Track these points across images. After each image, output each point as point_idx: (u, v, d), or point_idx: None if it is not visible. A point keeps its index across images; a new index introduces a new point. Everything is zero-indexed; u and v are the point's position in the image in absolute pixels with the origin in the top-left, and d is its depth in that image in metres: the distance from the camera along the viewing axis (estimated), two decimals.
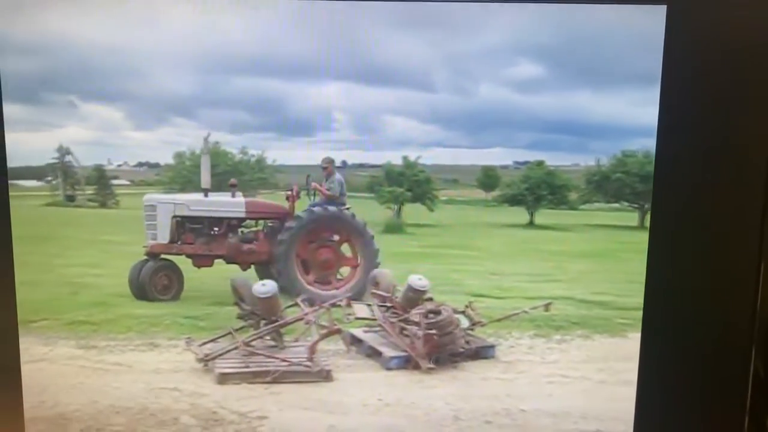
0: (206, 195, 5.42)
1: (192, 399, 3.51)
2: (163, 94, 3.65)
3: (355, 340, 4.33)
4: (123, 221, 5.33)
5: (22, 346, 4.00)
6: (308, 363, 3.89)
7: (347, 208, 5.33)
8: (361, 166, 4.74)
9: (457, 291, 4.73)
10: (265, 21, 3.09)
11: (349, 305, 4.54)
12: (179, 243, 5.42)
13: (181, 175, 5.09)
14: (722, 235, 2.37)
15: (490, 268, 4.93)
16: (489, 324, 4.43)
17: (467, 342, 4.24)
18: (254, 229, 5.63)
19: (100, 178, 5.05)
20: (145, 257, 5.20)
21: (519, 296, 4.57)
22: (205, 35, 3.15)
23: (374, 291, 4.66)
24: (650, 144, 2.52)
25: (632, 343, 2.72)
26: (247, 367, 3.85)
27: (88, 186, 5.01)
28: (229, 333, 4.18)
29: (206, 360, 3.90)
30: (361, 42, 3.30)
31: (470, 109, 3.94)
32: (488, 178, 4.93)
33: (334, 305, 4.43)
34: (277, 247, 5.28)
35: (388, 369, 4.01)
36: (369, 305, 4.58)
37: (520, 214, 5.14)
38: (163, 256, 5.29)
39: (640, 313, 2.62)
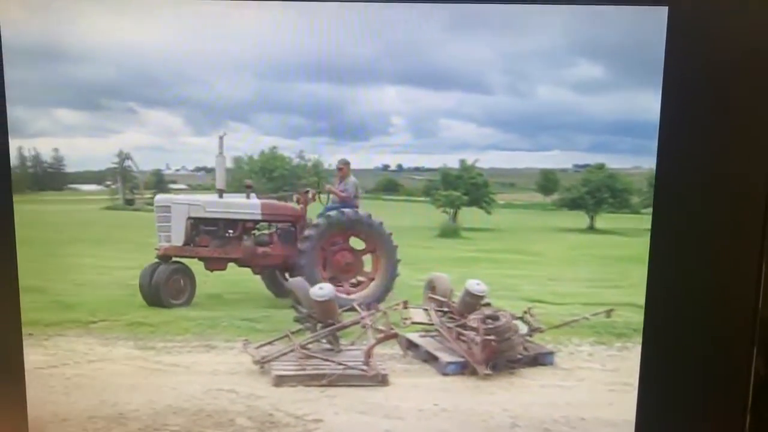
0: (221, 196, 5.39)
1: (248, 401, 3.53)
2: (221, 100, 3.70)
3: (412, 345, 4.30)
4: None
5: (83, 347, 4.13)
6: (364, 367, 3.87)
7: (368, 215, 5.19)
8: (417, 169, 4.73)
9: (515, 296, 4.67)
10: (322, 27, 3.10)
11: (405, 309, 4.51)
12: (193, 245, 5.35)
13: (238, 180, 5.15)
14: (723, 237, 2.36)
15: (549, 273, 4.85)
16: (548, 330, 4.36)
17: (525, 348, 4.18)
18: (265, 231, 5.53)
19: (159, 182, 5.16)
20: (156, 261, 5.14)
21: (578, 302, 4.48)
22: (263, 42, 3.18)
23: (431, 295, 4.62)
24: None
25: None
26: (303, 369, 3.85)
27: (147, 190, 5.10)
28: (286, 336, 4.19)
29: (263, 362, 3.92)
30: (418, 45, 3.28)
31: (528, 111, 3.88)
32: (547, 181, 4.86)
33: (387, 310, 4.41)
34: (301, 249, 5.19)
35: (445, 374, 3.97)
36: (426, 310, 4.54)
37: (580, 219, 5.05)
38: (175, 258, 5.23)
39: None
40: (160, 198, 5.24)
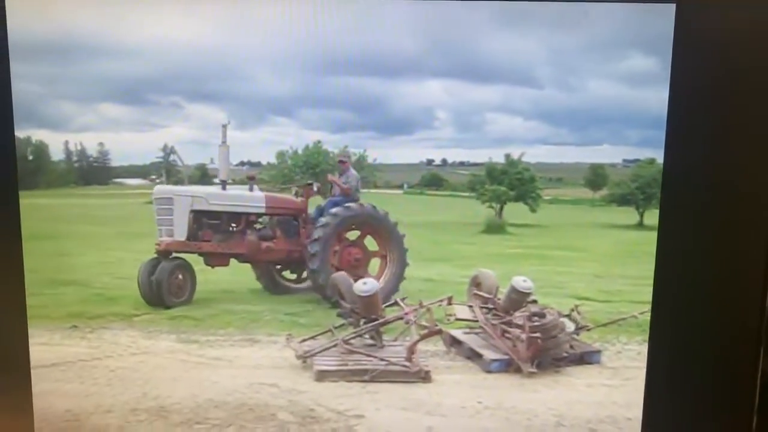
0: (224, 188, 5.27)
1: (290, 395, 3.52)
2: (265, 94, 3.70)
3: (455, 342, 4.24)
4: None
5: (126, 339, 4.19)
6: (407, 363, 3.83)
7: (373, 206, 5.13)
8: (462, 164, 4.68)
9: (562, 293, 4.59)
10: (367, 20, 3.07)
11: (450, 305, 4.45)
12: (196, 240, 5.19)
13: (282, 174, 5.14)
14: (731, 237, 2.33)
15: (597, 270, 4.75)
16: (595, 328, 4.26)
17: (572, 346, 4.09)
18: (267, 226, 5.41)
19: (203, 176, 5.17)
20: (155, 256, 5.01)
21: (626, 300, 4.38)
22: (307, 36, 3.16)
23: (476, 292, 4.55)
24: None
25: None
26: (346, 365, 3.83)
27: (192, 184, 5.07)
28: (329, 331, 4.18)
29: (305, 357, 3.91)
30: (464, 39, 3.23)
31: (577, 104, 3.80)
32: (596, 176, 4.76)
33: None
34: (312, 244, 5.05)
35: (489, 372, 3.90)
36: (470, 306, 4.48)
37: (630, 215, 4.93)
38: (175, 254, 5.08)
39: None
40: (161, 189, 5.10)
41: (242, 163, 4.90)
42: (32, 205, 4.57)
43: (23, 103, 3.51)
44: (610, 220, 5.01)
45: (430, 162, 4.63)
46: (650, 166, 4.55)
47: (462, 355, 4.15)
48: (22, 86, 3.44)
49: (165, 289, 4.85)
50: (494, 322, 4.28)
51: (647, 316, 3.98)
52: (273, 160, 5.01)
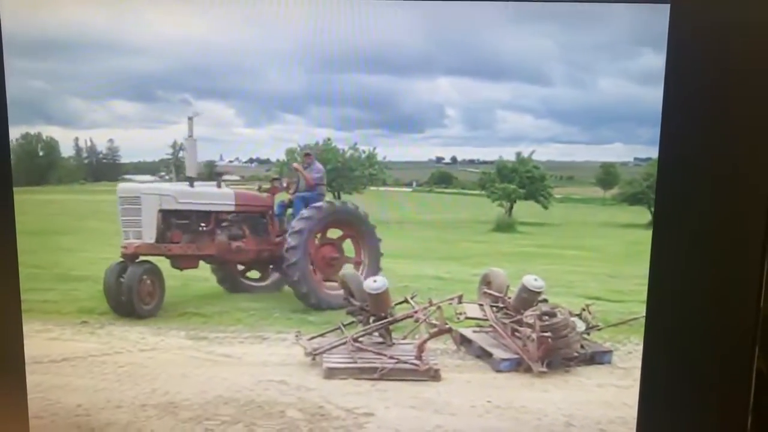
0: (192, 185, 4.99)
1: (299, 393, 3.52)
2: (275, 92, 3.69)
3: (465, 340, 4.23)
4: None
5: (135, 336, 4.20)
6: (416, 361, 3.82)
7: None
8: (472, 162, 4.67)
9: (573, 293, 4.56)
10: (377, 18, 3.06)
11: (460, 303, 4.43)
12: (165, 242, 4.89)
13: (292, 171, 5.10)
14: (726, 236, 2.33)
15: (608, 269, 4.72)
16: (606, 328, 4.24)
17: (582, 346, 4.07)
18: (228, 223, 5.14)
19: (212, 173, 5.09)
20: (121, 260, 4.66)
21: (638, 300, 4.31)
22: (316, 33, 3.16)
23: (486, 291, 4.54)
24: None
25: None
26: (355, 362, 3.82)
27: (201, 181, 4.99)
28: (338, 328, 4.17)
29: (314, 354, 3.91)
30: (474, 36, 3.22)
31: (588, 102, 3.77)
32: (607, 175, 4.72)
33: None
34: (290, 243, 4.87)
35: (498, 371, 3.89)
36: (481, 305, 4.47)
37: (641, 214, 4.88)
38: (142, 258, 4.75)
39: None
40: (126, 188, 4.77)
41: (251, 161, 4.87)
42: (43, 201, 4.62)
43: (34, 99, 3.53)
44: (621, 219, 4.98)
45: (439, 160, 4.61)
46: None
47: (472, 354, 4.14)
48: (32, 83, 3.46)
49: (135, 296, 4.54)
50: (504, 320, 4.27)
51: None
52: (283, 157, 4.99)
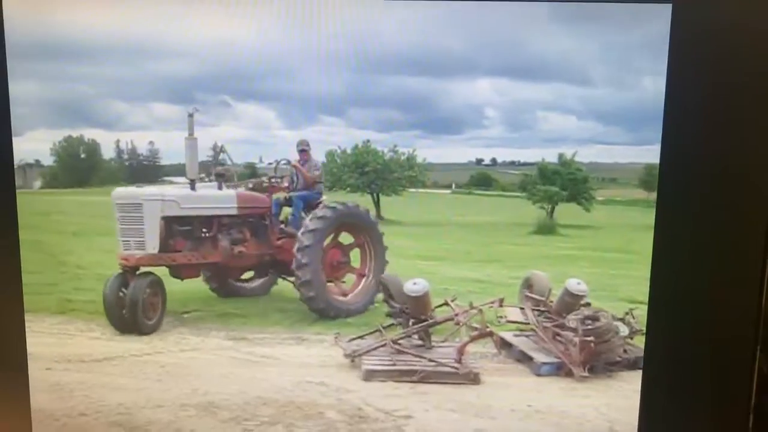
0: (193, 188, 4.66)
1: (338, 394, 3.51)
2: (314, 93, 3.70)
3: (505, 344, 4.18)
4: None
5: (175, 336, 4.22)
6: (456, 364, 3.79)
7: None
8: (513, 163, 4.60)
9: (616, 297, 4.47)
10: (417, 19, 3.04)
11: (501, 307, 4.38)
12: (168, 251, 4.55)
13: (332, 173, 5.07)
14: (727, 236, 2.33)
15: None
16: None
17: (625, 351, 3.99)
18: (228, 227, 4.84)
19: (252, 175, 5.07)
20: (119, 272, 4.35)
21: None
22: (356, 35, 3.15)
23: (528, 294, 4.48)
24: None
25: None
26: (394, 365, 3.80)
27: (240, 182, 4.95)
28: (378, 330, 4.16)
29: (353, 356, 3.90)
30: (515, 36, 3.19)
31: (632, 103, 3.70)
32: (651, 176, 4.60)
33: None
34: (304, 242, 4.60)
35: (539, 375, 3.84)
36: (522, 308, 4.42)
37: None
38: (143, 269, 4.45)
39: None
40: (125, 194, 4.45)
41: (289, 162, 4.88)
42: (85, 202, 4.69)
43: (77, 103, 3.60)
44: None
45: (479, 161, 4.57)
46: None
47: (512, 358, 4.09)
48: (76, 87, 3.52)
49: (140, 311, 4.23)
50: (546, 324, 4.21)
51: None
52: (322, 159, 4.99)
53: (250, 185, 5.02)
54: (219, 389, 3.48)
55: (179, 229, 4.62)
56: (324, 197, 5.10)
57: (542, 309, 4.35)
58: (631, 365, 3.93)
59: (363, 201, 5.15)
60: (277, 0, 2.97)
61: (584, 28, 3.14)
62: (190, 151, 4.39)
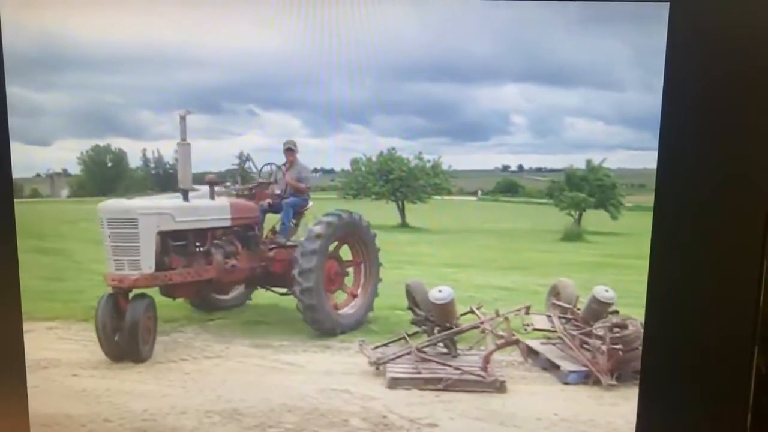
0: (186, 198, 4.28)
1: (362, 402, 3.49)
2: (340, 101, 3.70)
3: (532, 352, 4.13)
4: None
5: (201, 343, 4.24)
6: (482, 372, 3.76)
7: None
8: (539, 170, 4.57)
9: (643, 304, 4.40)
10: (441, 25, 3.03)
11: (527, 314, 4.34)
12: (164, 269, 4.14)
13: (357, 181, 5.03)
14: (725, 236, 2.32)
15: None
16: None
17: None
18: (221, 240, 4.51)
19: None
20: (110, 292, 3.95)
21: None
22: (381, 42, 3.15)
23: (555, 302, 4.44)
24: None
25: None
26: (419, 373, 3.78)
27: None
28: (403, 338, 4.13)
29: (378, 363, 3.89)
30: (542, 41, 3.16)
31: (660, 108, 3.66)
32: None
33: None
34: (308, 252, 4.34)
35: (566, 383, 3.79)
36: (549, 316, 4.37)
37: None
38: (136, 291, 4.03)
39: None
40: (116, 207, 4.02)
41: (315, 170, 4.87)
42: None
43: (105, 112, 3.64)
44: None
45: (505, 168, 4.54)
46: None
47: (538, 366, 4.04)
48: (104, 96, 3.56)
49: (140, 336, 3.87)
50: (573, 332, 4.16)
51: None
52: (347, 167, 4.98)
53: (235, 192, 4.75)
54: (243, 396, 3.49)
55: (174, 244, 4.27)
56: (311, 203, 4.92)
57: (569, 317, 4.31)
58: None
59: (388, 208, 5.14)
60: (302, 8, 2.98)
61: (610, 30, 3.10)
62: (182, 158, 4.10)
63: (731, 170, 2.31)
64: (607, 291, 4.12)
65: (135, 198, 4.16)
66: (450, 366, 3.84)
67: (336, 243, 4.70)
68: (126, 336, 3.89)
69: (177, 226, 4.21)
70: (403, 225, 5.16)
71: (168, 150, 4.23)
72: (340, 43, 3.19)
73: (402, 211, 5.24)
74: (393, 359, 3.91)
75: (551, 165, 4.50)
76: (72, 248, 3.77)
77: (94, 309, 3.99)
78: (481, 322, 4.07)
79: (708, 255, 2.38)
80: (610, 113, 3.85)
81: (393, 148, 4.81)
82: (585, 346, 4.01)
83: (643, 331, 3.90)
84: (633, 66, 3.45)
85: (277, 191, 4.77)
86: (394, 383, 3.71)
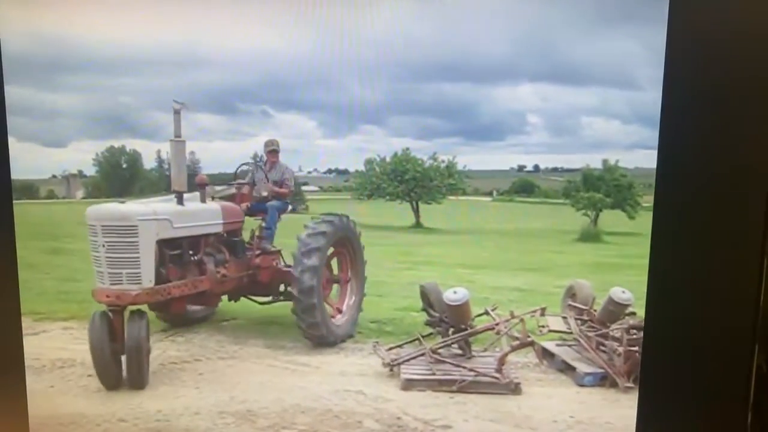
0: (181, 202, 3.90)
1: (376, 403, 3.48)
2: (355, 102, 3.70)
3: (547, 354, 4.10)
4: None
5: (215, 344, 4.24)
6: (497, 374, 3.73)
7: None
8: (555, 170, 4.54)
9: None
10: (457, 25, 3.02)
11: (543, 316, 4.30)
12: (162, 282, 3.71)
13: (371, 182, 5.01)
14: (725, 234, 2.21)
15: None
16: None
17: None
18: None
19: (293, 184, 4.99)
20: (103, 311, 3.51)
21: None
22: (395, 42, 3.14)
23: (571, 303, 4.40)
24: None
25: None
26: (433, 374, 3.76)
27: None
28: (417, 339, 4.12)
29: (392, 365, 3.87)
30: (558, 40, 3.14)
31: None
32: None
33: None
34: (308, 267, 4.05)
35: (582, 385, 3.75)
36: (564, 318, 4.33)
37: None
38: (132, 308, 3.59)
39: None
40: (111, 213, 3.55)
41: (329, 171, 4.87)
42: None
43: (119, 114, 3.66)
44: None
45: (521, 168, 4.51)
46: None
47: (554, 368, 4.01)
48: (120, 98, 3.58)
49: (145, 359, 3.51)
50: (589, 334, 4.12)
51: None
52: (361, 167, 4.98)
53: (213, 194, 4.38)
54: (257, 397, 3.49)
55: (170, 253, 3.83)
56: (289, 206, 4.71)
57: (585, 318, 4.26)
58: None
59: (402, 208, 5.13)
60: (316, 10, 2.98)
61: (626, 29, 3.08)
62: (176, 156, 3.74)
63: (734, 167, 2.29)
64: (624, 292, 4.08)
65: (128, 202, 3.77)
66: (464, 367, 3.81)
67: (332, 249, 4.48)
68: (130, 361, 3.50)
69: (174, 233, 3.80)
70: (418, 225, 5.14)
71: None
72: (354, 43, 3.18)
73: (416, 211, 5.23)
74: (407, 360, 3.89)
75: (567, 165, 4.48)
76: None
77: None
78: (496, 324, 4.04)
79: (708, 253, 2.36)
80: (626, 112, 3.82)
81: (407, 149, 4.81)
82: (601, 347, 3.97)
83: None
84: (649, 64, 3.42)
85: (264, 193, 4.49)
86: (409, 384, 3.69)
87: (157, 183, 4.59)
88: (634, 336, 3.83)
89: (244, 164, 4.56)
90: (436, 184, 5.04)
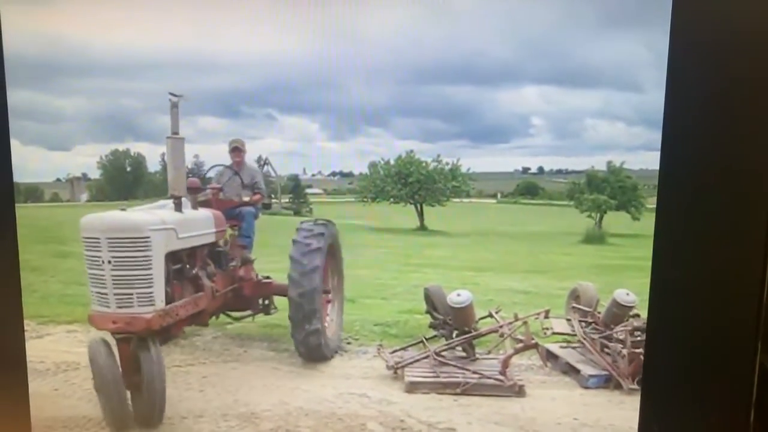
0: (179, 208, 3.48)
1: (380, 406, 3.47)
2: (358, 105, 3.69)
3: (551, 356, 4.10)
4: None
5: (219, 347, 4.25)
6: (500, 377, 3.72)
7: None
8: (560, 172, 4.54)
9: None
10: (461, 27, 3.02)
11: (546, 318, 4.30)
12: (172, 302, 3.22)
13: (375, 185, 5.00)
14: (728, 231, 2.23)
15: None
16: None
17: None
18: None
19: (296, 187, 4.97)
20: (103, 339, 2.97)
21: None
22: (400, 45, 3.15)
23: (575, 305, 4.39)
24: None
25: None
26: (437, 377, 3.75)
27: (284, 195, 4.80)
28: (421, 342, 4.12)
29: (396, 367, 3.87)
30: (562, 42, 3.14)
31: None
32: None
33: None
34: (312, 254, 3.83)
35: (586, 387, 3.74)
36: (568, 320, 4.33)
37: None
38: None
39: None
40: (120, 223, 2.98)
41: (333, 174, 4.86)
42: None
43: (123, 117, 3.67)
44: None
45: (525, 170, 4.52)
46: None
47: (558, 370, 4.01)
48: (124, 101, 3.59)
49: (164, 390, 3.00)
50: (593, 336, 4.12)
51: None
52: (365, 170, 4.98)
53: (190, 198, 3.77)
54: (260, 400, 3.49)
55: (173, 268, 3.37)
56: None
57: (589, 320, 4.26)
58: None
59: (406, 211, 5.13)
60: (320, 13, 2.99)
61: (629, 32, 3.07)
62: (174, 155, 3.35)
63: (735, 169, 2.28)
64: (627, 294, 4.07)
65: (128, 209, 3.33)
66: (468, 370, 3.82)
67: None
68: (150, 393, 2.98)
69: (178, 245, 3.35)
70: (422, 228, 5.14)
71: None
72: (359, 46, 3.19)
73: (420, 214, 5.23)
74: (411, 363, 3.90)
75: (572, 167, 4.48)
76: None
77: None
78: (500, 326, 4.04)
79: (711, 251, 2.36)
80: (631, 114, 3.82)
81: (411, 151, 4.82)
82: (605, 349, 3.97)
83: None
84: (653, 66, 3.42)
85: (246, 198, 4.23)
86: (412, 387, 3.69)
87: (161, 186, 4.59)
88: (638, 338, 3.82)
89: (214, 165, 4.30)
90: (440, 187, 5.04)
